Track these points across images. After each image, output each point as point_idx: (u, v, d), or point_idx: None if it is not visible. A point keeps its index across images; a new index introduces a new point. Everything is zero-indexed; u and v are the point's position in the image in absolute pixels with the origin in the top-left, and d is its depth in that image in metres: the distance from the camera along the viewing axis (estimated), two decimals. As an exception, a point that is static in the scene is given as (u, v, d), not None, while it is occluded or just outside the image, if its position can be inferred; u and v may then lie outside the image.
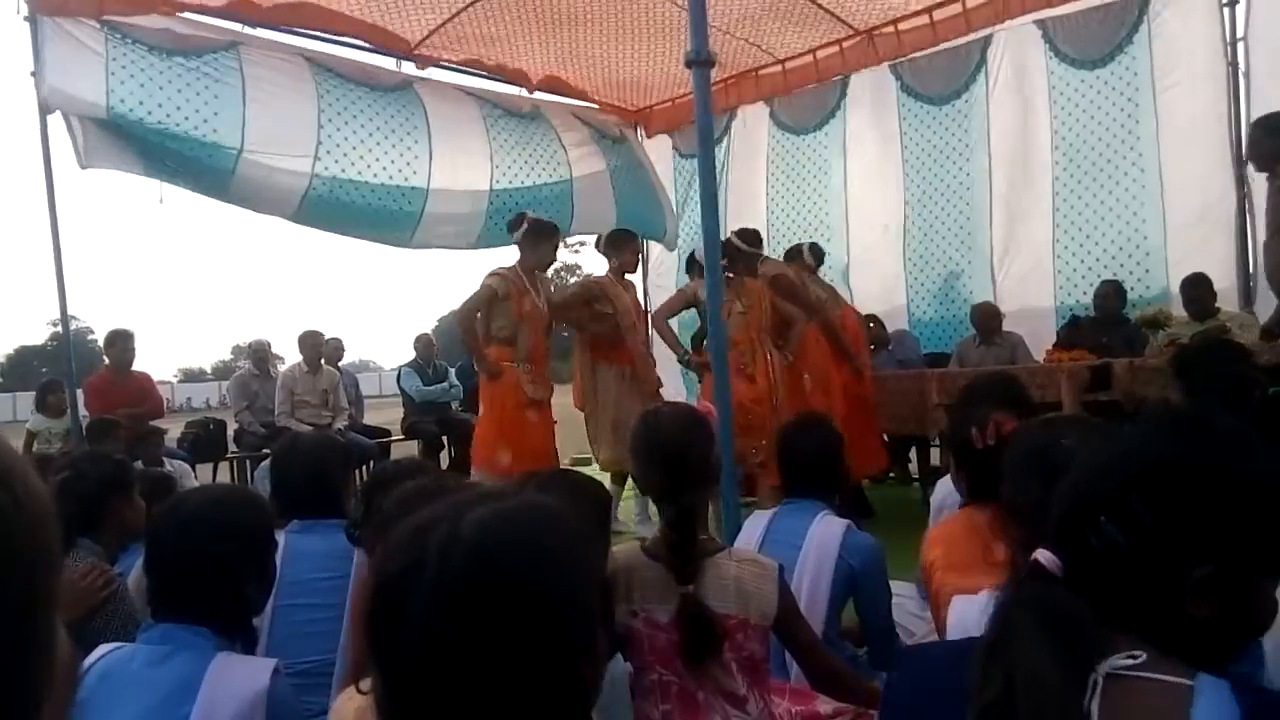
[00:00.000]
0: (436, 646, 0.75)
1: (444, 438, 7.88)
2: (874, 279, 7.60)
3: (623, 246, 5.78)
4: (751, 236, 5.46)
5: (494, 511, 0.81)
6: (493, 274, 5.29)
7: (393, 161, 6.48)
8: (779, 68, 7.51)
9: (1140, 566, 0.89)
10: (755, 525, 2.52)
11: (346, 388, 7.69)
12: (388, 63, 6.71)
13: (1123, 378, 3.15)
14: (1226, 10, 5.79)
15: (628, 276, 5.89)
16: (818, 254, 6.17)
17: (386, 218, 6.56)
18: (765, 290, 5.27)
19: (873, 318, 7.21)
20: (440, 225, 6.84)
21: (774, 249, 7.58)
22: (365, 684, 1.32)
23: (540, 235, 5.34)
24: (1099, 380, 3.14)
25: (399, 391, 8.34)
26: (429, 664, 0.75)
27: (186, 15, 5.57)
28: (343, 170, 6.19)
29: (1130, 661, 0.85)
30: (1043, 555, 0.92)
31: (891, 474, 7.40)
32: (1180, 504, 0.88)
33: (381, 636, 0.78)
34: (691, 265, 5.68)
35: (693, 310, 5.50)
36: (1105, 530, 0.90)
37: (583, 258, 47.68)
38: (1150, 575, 0.89)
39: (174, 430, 7.43)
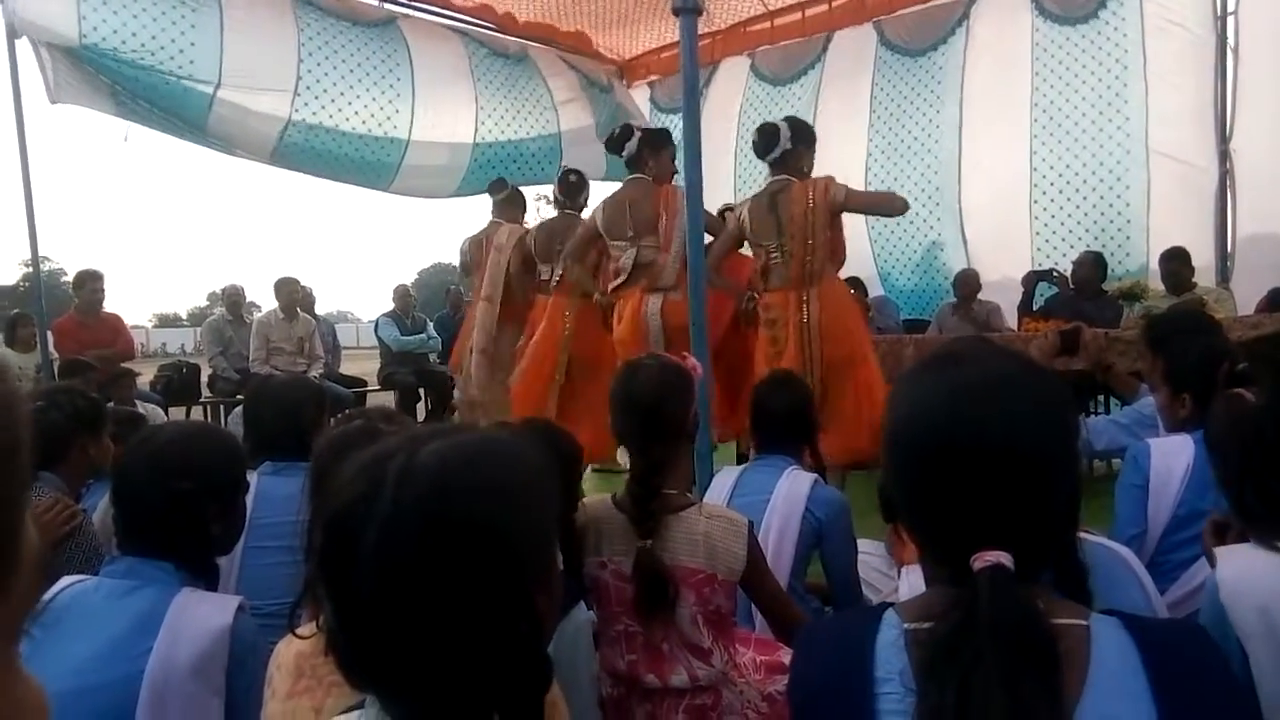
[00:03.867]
0: (391, 576, 0.74)
1: (420, 389, 7.86)
2: None
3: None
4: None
5: (452, 444, 0.81)
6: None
7: (374, 101, 6.38)
8: (767, 24, 7.45)
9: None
10: (725, 479, 2.54)
11: (324, 336, 7.65)
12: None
13: (1091, 343, 3.15)
14: (1218, -17, 5.77)
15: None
16: (565, 186, 5.33)
17: (364, 166, 6.51)
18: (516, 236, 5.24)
19: (853, 281, 7.21)
20: (419, 177, 6.81)
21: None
22: (304, 629, 1.33)
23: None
24: (1067, 345, 3.14)
25: (376, 342, 8.30)
26: (383, 594, 0.74)
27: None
28: (322, 108, 6.09)
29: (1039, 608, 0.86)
30: (1004, 558, 0.86)
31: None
32: None
33: (334, 567, 0.77)
34: None
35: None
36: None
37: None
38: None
39: (147, 374, 7.36)
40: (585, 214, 5.24)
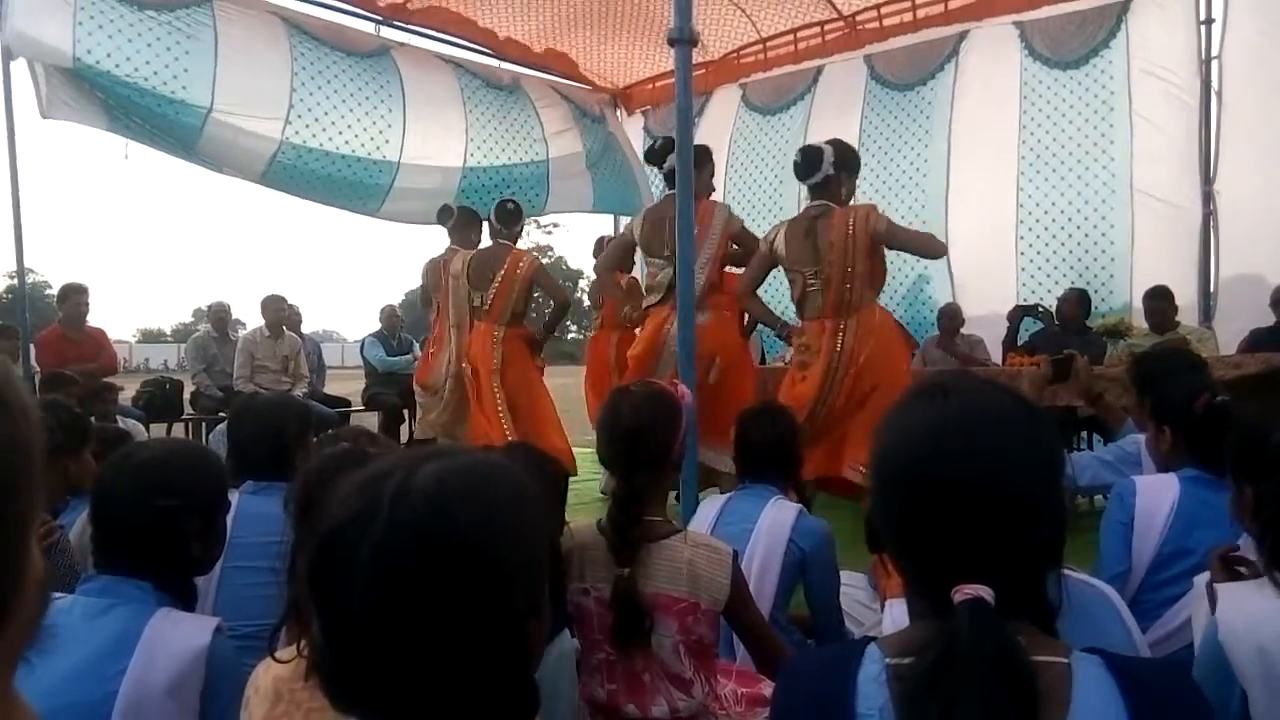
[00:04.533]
0: (384, 595, 0.74)
1: (405, 410, 7.81)
2: None
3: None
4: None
5: (448, 465, 0.81)
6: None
7: (365, 130, 6.41)
8: (760, 52, 7.54)
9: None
10: (710, 508, 2.54)
11: (309, 354, 7.61)
12: (366, 27, 6.62)
13: (1083, 372, 3.14)
14: (1203, 28, 5.87)
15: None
16: (502, 213, 5.39)
17: (354, 188, 6.52)
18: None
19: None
20: (408, 200, 6.82)
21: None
22: (283, 653, 1.31)
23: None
24: (1060, 373, 3.12)
25: (362, 362, 8.25)
26: (375, 613, 0.74)
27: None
28: (313, 135, 6.12)
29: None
30: (984, 592, 0.86)
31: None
32: None
33: (326, 585, 0.77)
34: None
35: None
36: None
37: (555, 239, 47.42)
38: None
39: (130, 389, 7.29)
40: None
